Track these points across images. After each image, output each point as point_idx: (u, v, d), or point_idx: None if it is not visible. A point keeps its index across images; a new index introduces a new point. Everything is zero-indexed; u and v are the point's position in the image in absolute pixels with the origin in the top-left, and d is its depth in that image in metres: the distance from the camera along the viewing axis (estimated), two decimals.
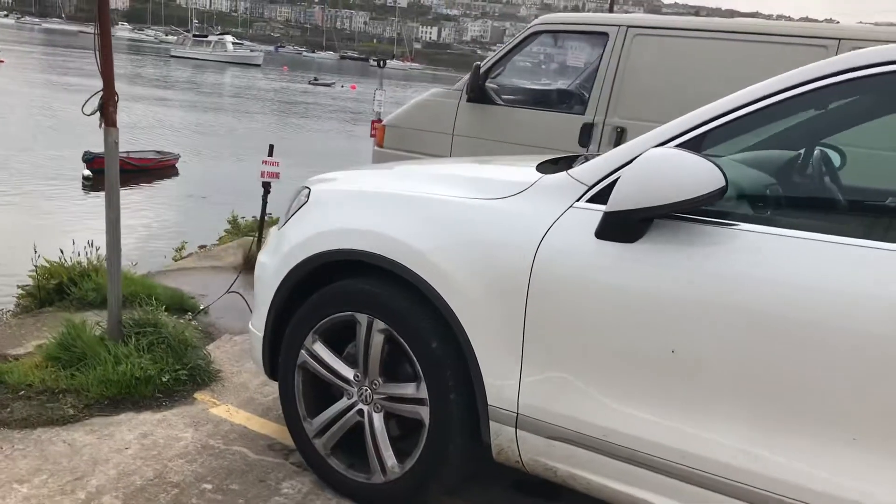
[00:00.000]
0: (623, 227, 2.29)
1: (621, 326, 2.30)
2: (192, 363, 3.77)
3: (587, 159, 3.23)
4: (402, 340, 2.71)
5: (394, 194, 2.79)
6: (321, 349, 2.94)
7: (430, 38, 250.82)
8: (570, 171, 2.52)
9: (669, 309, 2.22)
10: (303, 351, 2.97)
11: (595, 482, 2.41)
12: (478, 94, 5.88)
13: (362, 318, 2.80)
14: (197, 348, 3.97)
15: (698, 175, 2.11)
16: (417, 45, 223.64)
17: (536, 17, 6.13)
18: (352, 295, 2.82)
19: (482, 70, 5.88)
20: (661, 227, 2.28)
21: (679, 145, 2.34)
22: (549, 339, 2.42)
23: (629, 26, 5.44)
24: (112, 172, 3.72)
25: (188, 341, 3.93)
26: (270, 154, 5.89)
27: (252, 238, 6.76)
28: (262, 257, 3.17)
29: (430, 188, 2.75)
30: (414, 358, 2.68)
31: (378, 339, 2.77)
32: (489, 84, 5.99)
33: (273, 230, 3.29)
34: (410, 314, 2.68)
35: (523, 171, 2.80)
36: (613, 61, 5.47)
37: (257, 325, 3.15)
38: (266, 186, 5.97)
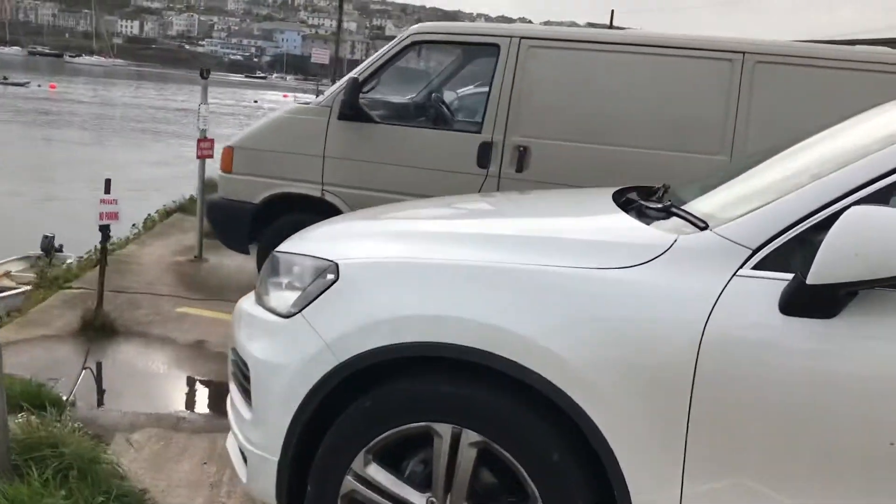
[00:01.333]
0: (824, 300, 1.90)
1: (824, 418, 1.91)
2: (119, 491, 2.83)
3: (665, 190, 2.83)
4: (506, 455, 2.12)
5: (475, 267, 2.18)
6: (379, 473, 2.25)
7: (132, 32, 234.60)
8: (717, 230, 2.08)
9: (887, 393, 1.87)
10: (349, 477, 2.26)
11: None
12: (353, 111, 5.23)
13: (444, 430, 2.16)
14: (107, 464, 3.01)
15: None
16: (118, 40, 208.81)
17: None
18: (428, 401, 2.17)
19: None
20: (866, 297, 1.92)
21: (863, 199, 1.98)
22: (722, 440, 1.97)
23: (522, 38, 5.10)
24: None
25: (98, 459, 2.96)
26: (108, 191, 4.82)
27: (78, 290, 5.55)
28: (262, 354, 2.38)
29: (521, 256, 2.18)
30: (526, 475, 2.11)
31: (469, 455, 2.16)
32: (361, 100, 5.35)
33: (256, 313, 2.50)
34: (519, 421, 2.11)
35: (622, 221, 2.34)
36: (508, 75, 5.09)
37: (264, 445, 2.37)
38: (104, 231, 4.89)
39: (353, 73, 5.49)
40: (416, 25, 5.44)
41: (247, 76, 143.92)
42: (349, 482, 2.27)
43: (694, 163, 4.79)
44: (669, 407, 2.00)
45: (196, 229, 7.85)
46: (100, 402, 3.87)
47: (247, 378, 2.45)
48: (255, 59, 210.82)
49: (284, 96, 60.19)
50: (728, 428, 1.96)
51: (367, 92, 5.41)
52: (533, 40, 5.08)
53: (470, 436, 2.14)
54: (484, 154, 5.11)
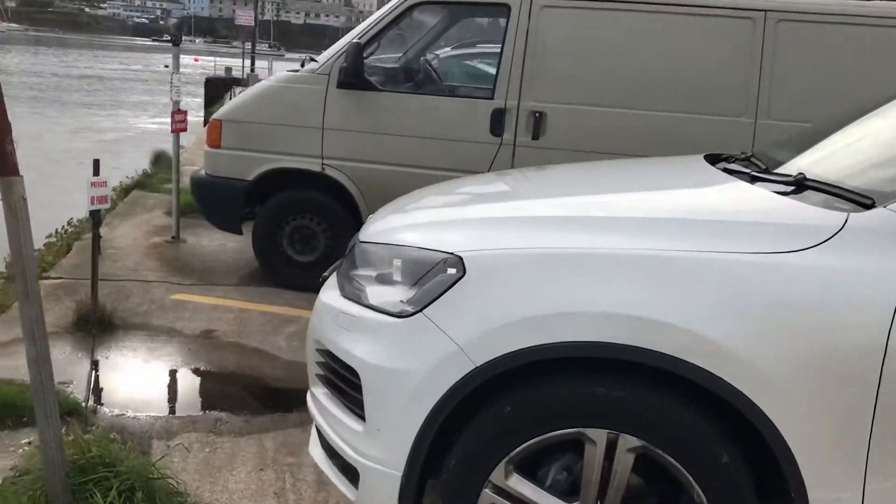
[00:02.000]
0: None
1: None
2: None
3: (749, 160, 2.68)
4: (670, 460, 1.95)
5: (631, 256, 1.97)
6: (521, 484, 2.04)
7: None
8: (891, 206, 1.92)
9: None
10: (488, 490, 2.05)
11: None
12: (356, 79, 4.90)
13: (598, 436, 1.97)
14: (165, 478, 2.73)
15: None
16: (12, 3, 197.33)
17: None
18: (581, 405, 1.97)
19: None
20: None
21: None
22: None
23: None
24: (26, 252, 2.33)
25: (155, 475, 2.68)
26: (97, 172, 4.41)
27: (57, 280, 5.13)
28: (377, 359, 2.13)
29: (676, 242, 1.98)
30: (692, 480, 1.94)
31: (626, 462, 1.97)
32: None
33: (355, 311, 2.25)
34: (683, 423, 1.93)
35: (760, 195, 2.17)
36: (521, 37, 4.84)
37: (383, 459, 2.13)
38: (95, 216, 4.49)
39: (350, 37, 5.16)
40: None
41: (154, 39, 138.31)
42: (488, 495, 2.06)
43: (717, 125, 4.68)
44: (854, 399, 1.85)
45: (165, 208, 7.47)
46: (123, 407, 3.54)
47: (354, 385, 2.20)
48: (161, 22, 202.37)
49: (195, 60, 58.19)
50: None
51: (367, 58, 5.08)
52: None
53: (628, 441, 1.96)
54: (497, 121, 4.87)
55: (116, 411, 3.48)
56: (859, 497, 1.89)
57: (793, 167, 2.44)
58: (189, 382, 3.88)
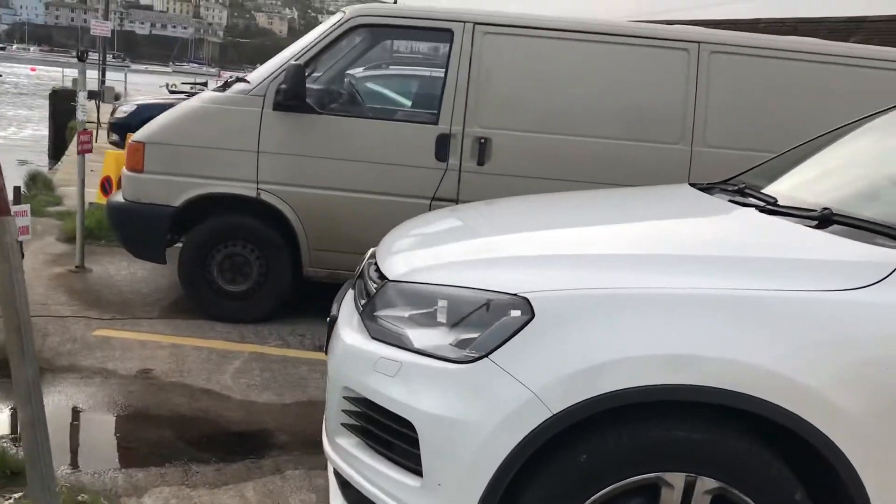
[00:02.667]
0: None
1: None
2: None
3: (742, 191, 2.73)
4: (746, 499, 1.94)
5: (704, 296, 1.95)
6: None
7: None
8: None
9: None
10: None
11: None
12: (297, 101, 4.71)
13: (676, 480, 1.94)
14: None
15: None
16: None
17: None
18: (659, 449, 1.93)
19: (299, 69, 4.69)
20: None
21: None
22: None
23: (476, 23, 4.83)
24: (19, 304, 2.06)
25: None
26: (18, 200, 4.02)
27: None
28: (439, 409, 2.01)
29: (739, 281, 1.98)
30: None
31: (702, 502, 1.95)
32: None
33: (401, 357, 2.12)
34: (758, 462, 1.94)
35: (799, 232, 2.23)
36: (464, 63, 4.81)
37: None
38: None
39: (283, 57, 4.96)
40: (355, 6, 5.00)
41: None
42: None
43: (656, 152, 4.82)
44: None
45: (55, 233, 6.93)
46: (74, 463, 3.20)
47: (405, 438, 2.07)
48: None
49: (32, 69, 54.77)
50: None
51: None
52: (488, 26, 4.84)
53: (706, 483, 1.94)
54: (442, 146, 4.81)
55: (67, 469, 3.14)
56: None
57: (802, 200, 2.53)
58: (141, 430, 3.57)
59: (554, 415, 1.91)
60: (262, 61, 5.81)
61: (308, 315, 5.22)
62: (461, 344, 2.06)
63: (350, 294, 2.78)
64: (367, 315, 2.34)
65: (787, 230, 2.31)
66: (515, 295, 2.02)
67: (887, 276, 1.97)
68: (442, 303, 2.15)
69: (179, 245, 5.21)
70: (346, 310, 2.58)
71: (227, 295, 5.05)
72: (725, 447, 1.94)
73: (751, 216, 2.48)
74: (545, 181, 4.77)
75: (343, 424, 2.31)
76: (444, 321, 2.13)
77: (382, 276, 2.42)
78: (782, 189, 2.85)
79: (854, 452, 1.90)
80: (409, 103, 5.35)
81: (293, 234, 4.94)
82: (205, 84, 31.70)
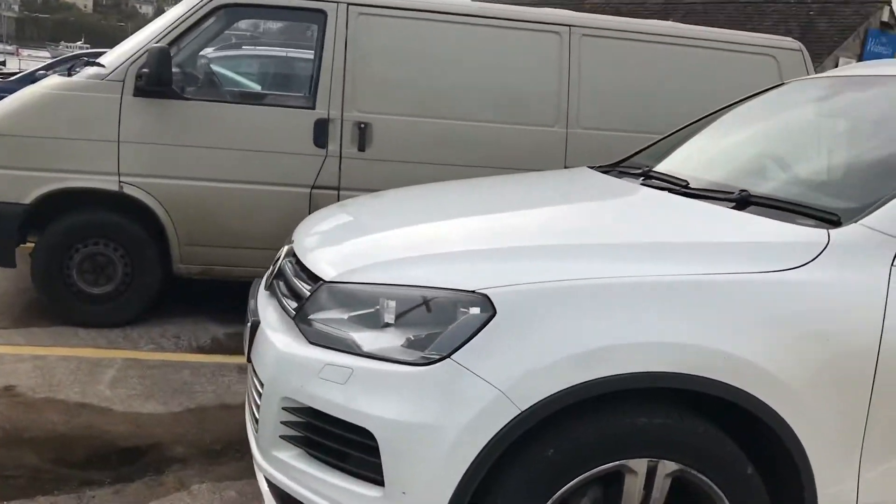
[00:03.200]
0: None
1: None
2: None
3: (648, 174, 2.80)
4: (703, 478, 2.01)
5: (657, 283, 1.98)
6: None
7: None
8: (864, 223, 2.13)
9: None
10: None
11: None
12: (163, 86, 4.36)
13: (639, 466, 1.97)
14: None
15: None
16: None
17: None
18: (623, 437, 1.95)
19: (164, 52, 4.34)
20: None
21: None
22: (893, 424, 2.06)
23: (350, 3, 4.66)
24: None
25: None
26: None
27: None
28: (401, 415, 1.91)
29: (687, 266, 2.02)
30: (722, 495, 2.02)
31: (664, 487, 2.00)
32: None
33: (351, 362, 2.01)
34: (715, 443, 2.00)
35: (742, 218, 2.29)
36: (340, 44, 4.64)
37: None
38: None
39: (140, 39, 4.60)
40: None
41: None
42: None
43: (534, 135, 4.89)
44: (853, 403, 2.04)
45: None
46: None
47: (361, 446, 1.97)
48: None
49: None
50: None
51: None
52: (362, 7, 4.69)
53: (667, 466, 1.98)
54: (321, 132, 4.64)
55: None
56: (855, 485, 2.08)
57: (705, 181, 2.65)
58: (17, 456, 3.20)
59: (522, 412, 1.87)
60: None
61: (176, 315, 4.92)
62: (415, 345, 1.98)
63: (265, 294, 2.62)
64: (302, 319, 2.21)
65: (714, 213, 2.38)
66: (474, 292, 1.96)
67: (817, 256, 2.07)
68: (389, 303, 2.05)
69: (31, 244, 4.74)
70: (270, 313, 2.43)
71: (89, 298, 4.64)
72: (683, 430, 1.98)
73: (673, 200, 2.54)
74: (427, 166, 4.74)
75: (283, 437, 2.17)
76: (391, 322, 2.04)
77: (314, 277, 2.29)
78: (677, 168, 2.96)
79: (798, 423, 2.00)
80: (283, 87, 5.12)
81: (161, 230, 4.61)
82: (2, 63, 28.99)
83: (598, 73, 4.94)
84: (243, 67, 5.21)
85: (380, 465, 1.94)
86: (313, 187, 4.66)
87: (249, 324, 2.44)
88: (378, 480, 1.96)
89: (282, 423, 2.15)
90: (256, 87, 5.01)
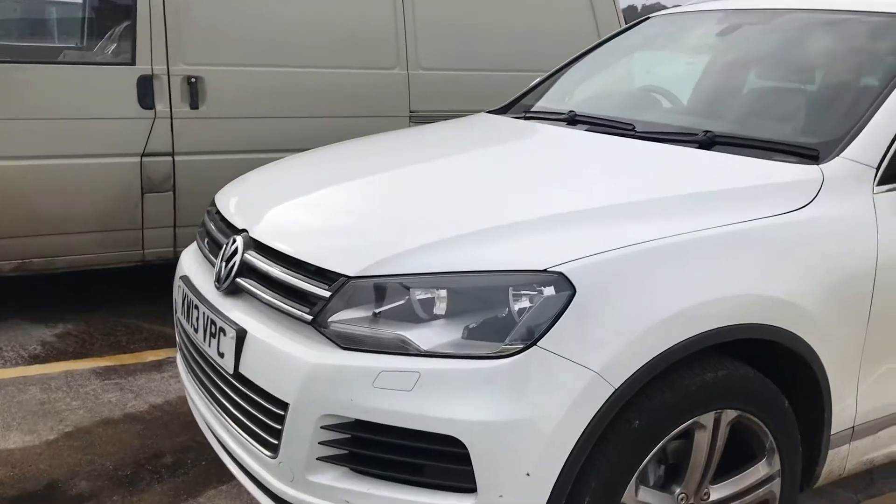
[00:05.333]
0: None
1: None
2: None
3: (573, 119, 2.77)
4: (756, 420, 2.08)
5: (707, 238, 1.96)
6: (647, 494, 1.95)
7: None
8: (844, 154, 2.26)
9: None
10: None
11: None
12: None
13: (707, 420, 1.98)
14: None
15: None
16: None
17: None
18: (696, 395, 1.94)
19: None
20: None
21: None
22: (884, 335, 2.26)
23: None
24: None
25: None
26: None
27: None
28: (492, 415, 1.73)
29: (714, 217, 2.03)
30: (768, 431, 2.11)
31: (724, 435, 2.03)
32: None
33: (417, 365, 1.79)
34: (760, 384, 2.07)
35: (755, 161, 2.33)
36: None
37: None
38: None
39: None
40: None
41: None
42: None
43: (376, 79, 4.65)
44: (856, 324, 2.20)
45: None
46: None
47: (444, 455, 1.78)
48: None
49: None
50: (890, 323, 2.25)
51: None
52: None
53: (728, 415, 2.02)
54: (146, 91, 4.03)
55: None
56: (854, 401, 2.27)
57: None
58: None
59: (616, 389, 1.79)
60: None
61: None
62: (487, 336, 1.80)
63: (218, 295, 2.25)
64: (322, 323, 1.91)
65: (703, 158, 2.40)
66: (545, 271, 1.81)
67: (819, 192, 2.18)
68: (440, 293, 1.84)
69: None
70: (257, 318, 2.08)
71: None
72: (739, 378, 2.02)
73: (650, 147, 2.52)
74: (269, 120, 4.35)
75: (320, 458, 1.89)
76: (446, 314, 1.84)
77: (320, 271, 1.99)
78: (597, 109, 2.97)
79: (823, 352, 2.11)
80: (94, 40, 4.33)
81: None
82: None
83: (434, 10, 4.77)
84: (41, 15, 4.33)
85: (469, 472, 1.77)
86: (143, 155, 4.07)
87: (236, 335, 2.07)
88: (467, 489, 1.78)
89: (320, 443, 1.88)
90: (60, 42, 4.21)
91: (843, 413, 2.25)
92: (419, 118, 4.67)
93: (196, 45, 4.15)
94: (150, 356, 3.88)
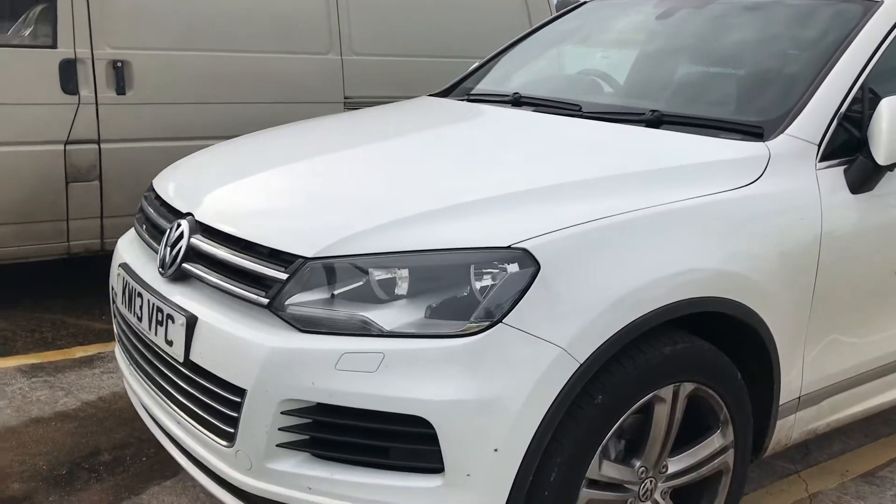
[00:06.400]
0: (876, 177, 2.37)
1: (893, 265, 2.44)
2: None
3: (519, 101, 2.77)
4: (711, 392, 2.11)
5: (655, 213, 1.97)
6: (609, 468, 1.96)
7: None
8: (788, 132, 2.31)
9: None
10: (584, 489, 1.90)
11: (848, 413, 2.57)
12: None
13: (666, 393, 2.00)
14: None
15: None
16: None
17: None
18: (656, 369, 1.95)
19: None
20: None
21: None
22: (828, 307, 2.33)
23: None
24: None
25: None
26: None
27: None
28: (460, 393, 1.70)
29: (669, 193, 2.05)
30: (723, 404, 2.15)
31: (682, 407, 2.06)
32: None
33: (381, 346, 1.75)
34: (718, 357, 2.11)
35: (703, 139, 2.35)
36: None
37: None
38: None
39: None
40: None
41: None
42: (586, 494, 1.92)
43: (309, 64, 4.56)
44: (803, 296, 2.26)
45: None
46: None
47: (409, 436, 1.75)
48: None
49: None
50: (834, 296, 2.32)
51: None
52: None
53: (686, 388, 2.05)
54: (69, 75, 3.85)
55: None
56: (800, 371, 2.34)
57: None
58: None
59: (581, 364, 1.79)
60: None
61: None
62: (451, 314, 1.77)
63: (163, 281, 2.16)
64: (279, 306, 1.85)
65: (645, 135, 2.42)
66: (509, 247, 1.79)
67: (766, 167, 2.22)
68: (401, 272, 1.81)
69: None
70: (207, 304, 2.00)
71: None
72: (696, 351, 2.04)
73: (600, 126, 2.54)
74: (199, 106, 4.22)
75: (280, 445, 1.83)
76: (404, 293, 1.81)
77: (274, 253, 1.92)
78: (541, 91, 2.98)
79: (774, 324, 2.16)
80: (11, 21, 4.09)
81: None
82: None
83: None
84: None
85: (437, 452, 1.74)
86: (67, 142, 3.88)
87: (186, 322, 1.98)
88: (435, 469, 1.76)
89: (280, 429, 1.82)
90: None
91: (790, 384, 2.31)
92: (353, 104, 4.60)
93: (122, 28, 3.98)
94: (80, 352, 3.72)
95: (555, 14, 3.93)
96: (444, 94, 3.39)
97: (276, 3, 4.43)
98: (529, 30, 3.70)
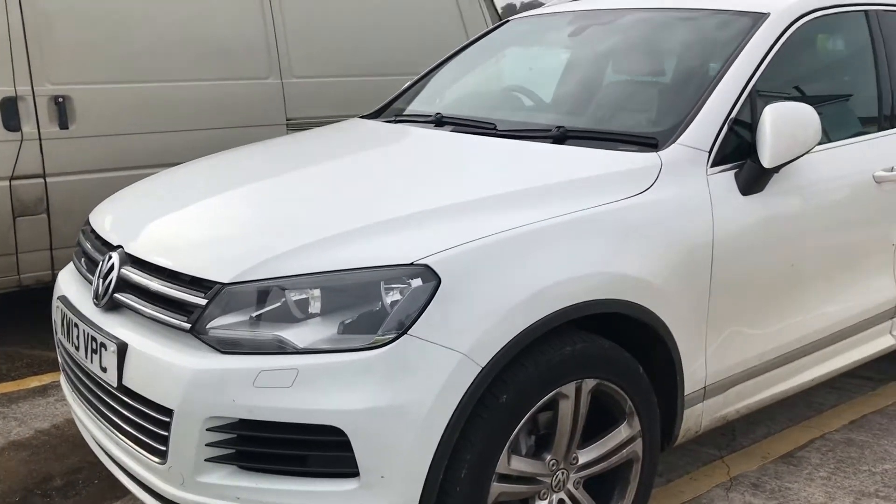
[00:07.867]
0: (764, 179, 2.56)
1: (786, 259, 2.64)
2: None
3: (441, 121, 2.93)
4: (614, 387, 2.27)
5: (549, 226, 2.14)
6: (519, 462, 2.11)
7: None
8: (679, 141, 2.49)
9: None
10: (495, 483, 2.06)
11: (755, 400, 2.75)
12: None
13: (569, 389, 2.16)
14: None
15: (817, 125, 2.56)
16: None
17: None
18: (557, 367, 2.11)
19: None
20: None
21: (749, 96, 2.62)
22: (726, 301, 2.51)
23: None
24: None
25: None
26: None
27: None
28: (371, 401, 1.85)
29: (566, 204, 2.22)
30: (626, 396, 2.31)
31: (586, 402, 2.22)
32: None
33: (295, 362, 1.89)
34: (618, 354, 2.27)
35: (601, 153, 2.51)
36: (13, 5, 3.92)
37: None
38: None
39: None
40: None
41: None
42: (496, 488, 2.07)
43: (249, 89, 4.67)
44: (700, 294, 2.44)
45: None
46: None
47: (326, 445, 1.90)
48: None
49: None
50: (730, 290, 2.50)
51: None
52: None
53: (588, 384, 2.20)
54: (10, 113, 3.94)
55: None
56: (704, 362, 2.51)
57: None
58: None
59: (483, 368, 1.94)
60: None
61: None
62: (360, 329, 1.92)
63: (98, 312, 2.28)
64: (201, 329, 1.99)
65: (557, 152, 2.59)
66: (412, 264, 1.95)
67: (658, 176, 2.40)
68: (314, 292, 1.95)
69: None
70: (137, 331, 2.13)
71: None
72: (596, 349, 2.20)
73: (508, 145, 2.69)
74: (142, 136, 4.31)
75: (208, 459, 1.97)
76: (320, 312, 1.95)
77: (196, 280, 2.06)
78: (462, 111, 3.14)
79: (670, 320, 2.33)
80: None
81: None
82: None
83: (304, 18, 4.84)
84: None
85: (351, 458, 1.88)
86: (12, 178, 3.97)
87: (117, 349, 2.11)
88: (350, 473, 1.90)
89: (207, 445, 1.95)
90: None
91: (694, 375, 2.48)
92: (296, 125, 4.73)
93: (61, 64, 4.08)
94: (34, 382, 3.81)
95: (486, 30, 4.09)
96: (375, 115, 3.55)
97: (215, 30, 4.55)
98: (456, 49, 3.86)
